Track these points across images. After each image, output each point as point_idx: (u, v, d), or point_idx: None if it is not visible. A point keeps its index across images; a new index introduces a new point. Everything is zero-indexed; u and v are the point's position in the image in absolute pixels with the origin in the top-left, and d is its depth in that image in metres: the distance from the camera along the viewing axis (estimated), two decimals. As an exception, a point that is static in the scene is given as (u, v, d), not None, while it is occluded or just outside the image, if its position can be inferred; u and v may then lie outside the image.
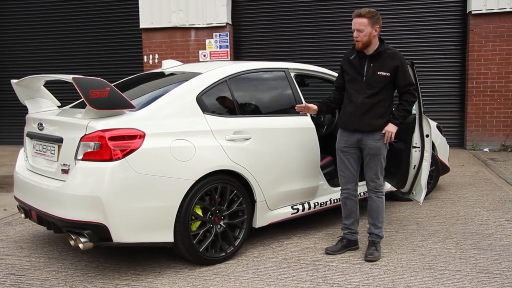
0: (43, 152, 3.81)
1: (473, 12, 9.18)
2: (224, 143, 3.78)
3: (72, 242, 3.40)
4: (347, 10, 9.69)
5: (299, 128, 4.32)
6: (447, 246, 4.08)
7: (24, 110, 4.22)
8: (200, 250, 3.63)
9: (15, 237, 4.51)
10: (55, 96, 4.40)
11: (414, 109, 4.70)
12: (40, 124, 3.83)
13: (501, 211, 5.10)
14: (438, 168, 5.77)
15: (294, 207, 4.27)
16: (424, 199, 4.68)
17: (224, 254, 3.78)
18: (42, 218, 3.69)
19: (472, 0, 9.13)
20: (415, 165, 4.59)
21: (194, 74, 4.05)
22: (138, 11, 10.47)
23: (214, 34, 10.28)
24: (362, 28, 3.65)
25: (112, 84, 3.60)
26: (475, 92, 9.41)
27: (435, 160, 5.59)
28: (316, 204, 4.45)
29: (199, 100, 3.82)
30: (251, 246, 4.11)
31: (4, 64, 11.84)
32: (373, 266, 3.66)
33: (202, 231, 3.65)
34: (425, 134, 4.54)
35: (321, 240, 4.28)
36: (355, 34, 3.68)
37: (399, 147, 4.69)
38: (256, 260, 3.82)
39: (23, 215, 4.03)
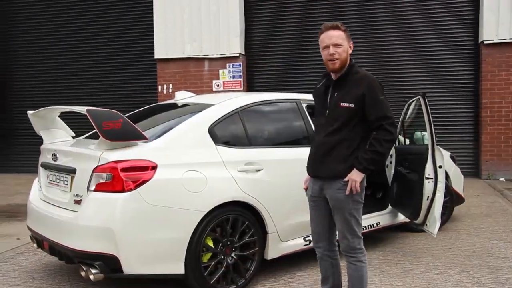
0: (57, 182, 3.85)
1: (485, 42, 9.20)
2: (236, 174, 3.78)
3: (83, 273, 3.39)
4: (362, 40, 9.79)
5: (311, 159, 4.30)
6: (464, 279, 3.99)
7: (40, 139, 4.30)
8: (211, 282, 3.59)
9: (27, 267, 4.52)
10: (69, 126, 4.48)
11: (427, 140, 4.70)
12: (54, 155, 3.88)
13: (519, 244, 4.99)
14: (453, 198, 5.70)
15: (307, 238, 4.22)
16: (438, 230, 4.63)
17: (235, 286, 3.74)
18: (54, 249, 3.70)
19: (484, 30, 9.16)
20: (428, 196, 4.56)
21: (206, 106, 4.09)
22: (153, 42, 10.69)
23: (227, 64, 10.42)
24: (340, 42, 2.91)
25: (125, 115, 3.66)
26: (489, 121, 9.35)
27: (449, 191, 5.52)
28: (329, 235, 4.39)
29: (211, 131, 3.84)
30: (263, 278, 4.06)
31: (21, 95, 12.10)
32: (387, 300, 3.59)
33: (213, 262, 3.63)
34: (438, 165, 4.51)
35: (334, 272, 4.21)
36: (331, 50, 2.89)
37: (412, 178, 4.66)
38: (267, 293, 3.77)
39: (35, 245, 4.05)
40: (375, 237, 5.17)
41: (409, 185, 4.82)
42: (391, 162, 5.27)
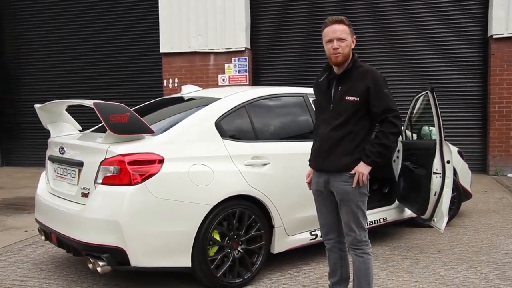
0: (64, 175, 3.87)
1: (494, 36, 9.11)
2: (243, 168, 3.78)
3: (90, 266, 3.41)
4: (368, 33, 9.74)
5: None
6: (471, 275, 3.97)
7: (46, 132, 4.31)
8: (218, 275, 3.60)
9: (35, 259, 4.55)
10: (76, 120, 4.49)
11: (434, 135, 4.67)
12: (61, 148, 3.89)
13: (527, 239, 4.96)
14: (460, 194, 5.67)
15: (313, 232, 4.22)
16: (445, 226, 4.60)
17: (241, 279, 3.75)
18: (61, 241, 3.72)
19: (493, 24, 9.08)
20: (436, 192, 4.54)
21: (213, 99, 4.09)
22: (158, 36, 10.68)
23: (233, 58, 10.40)
24: (344, 36, 2.90)
25: (132, 109, 3.66)
26: (498, 117, 9.28)
27: (456, 186, 5.49)
28: (335, 230, 4.38)
29: (218, 125, 3.84)
30: (269, 272, 4.06)
31: (29, 88, 12.14)
32: (394, 295, 3.58)
33: (219, 256, 3.64)
34: (446, 160, 4.48)
35: (340, 267, 4.20)
36: (335, 44, 2.89)
37: (420, 173, 4.63)
38: (273, 287, 3.77)
39: (43, 237, 4.07)
40: (381, 232, 5.16)
41: (416, 180, 4.80)
42: (398, 157, 5.24)
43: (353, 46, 2.98)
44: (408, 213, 5.11)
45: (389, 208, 5.01)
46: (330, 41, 2.92)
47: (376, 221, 4.75)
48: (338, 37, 2.90)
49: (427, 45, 9.79)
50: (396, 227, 5.36)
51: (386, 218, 4.89)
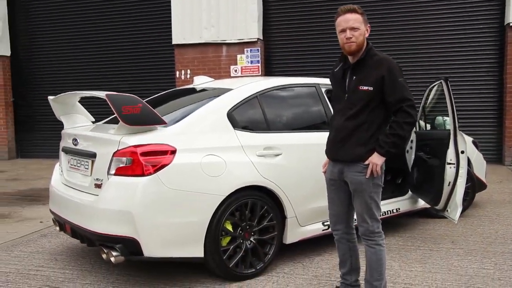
0: (78, 166, 3.90)
1: (511, 24, 8.94)
2: (255, 159, 3.78)
3: (104, 256, 3.44)
4: (384, 22, 9.63)
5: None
6: (485, 266, 3.93)
7: (59, 124, 4.35)
8: (230, 265, 3.62)
9: (50, 249, 4.61)
10: (89, 112, 4.51)
11: (448, 124, 4.61)
12: (74, 140, 3.92)
13: (542, 230, 4.90)
14: (474, 184, 5.61)
15: (325, 223, 4.21)
16: (459, 216, 4.57)
17: (254, 270, 3.76)
18: (75, 231, 3.76)
19: (510, 12, 8.90)
20: (449, 182, 4.50)
21: (225, 90, 4.08)
22: (170, 28, 10.67)
23: (245, 49, 10.35)
24: (358, 25, 2.87)
25: (144, 100, 3.67)
26: (514, 106, 9.14)
27: (471, 177, 5.43)
28: (348, 220, 4.37)
29: (230, 116, 3.84)
30: (282, 262, 4.07)
31: (42, 81, 12.24)
32: (406, 286, 3.56)
33: (232, 246, 3.65)
34: (460, 150, 4.43)
35: (353, 257, 4.19)
36: (348, 34, 2.86)
37: (433, 163, 4.58)
38: (286, 277, 3.78)
39: (58, 228, 4.12)
40: (394, 223, 5.13)
41: (430, 170, 4.76)
42: (411, 148, 5.20)
43: (367, 35, 2.94)
44: (422, 203, 5.08)
45: (403, 199, 4.98)
46: (343, 30, 2.90)
47: (389, 212, 4.73)
48: (351, 26, 2.87)
49: (442, 33, 9.64)
50: (409, 217, 5.33)
51: (399, 209, 4.86)
